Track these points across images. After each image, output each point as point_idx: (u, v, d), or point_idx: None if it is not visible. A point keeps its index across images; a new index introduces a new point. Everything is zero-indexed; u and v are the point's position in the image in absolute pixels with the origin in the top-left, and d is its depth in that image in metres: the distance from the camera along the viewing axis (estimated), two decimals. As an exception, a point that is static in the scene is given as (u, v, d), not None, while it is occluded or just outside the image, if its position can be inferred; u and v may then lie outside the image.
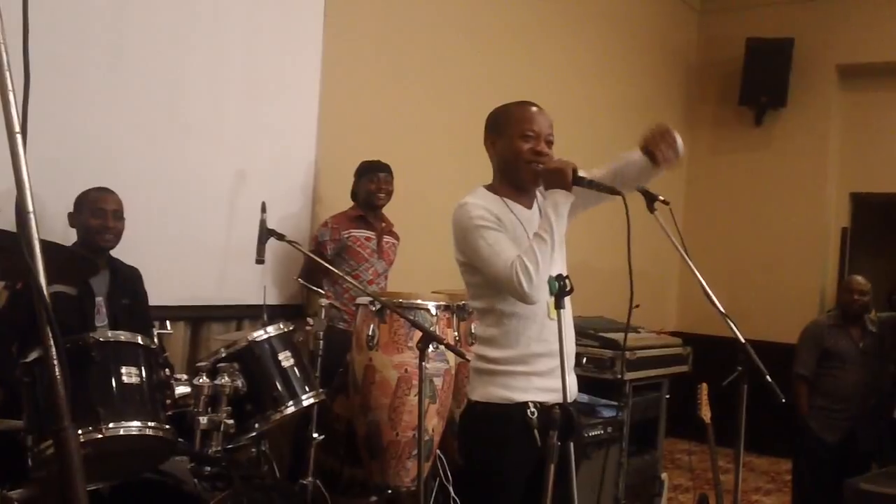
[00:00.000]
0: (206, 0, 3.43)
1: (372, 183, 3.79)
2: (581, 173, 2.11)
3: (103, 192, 2.81)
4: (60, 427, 1.04)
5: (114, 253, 2.88)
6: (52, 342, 1.08)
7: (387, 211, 3.92)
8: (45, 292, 1.09)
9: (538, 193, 2.25)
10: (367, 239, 3.79)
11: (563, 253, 2.20)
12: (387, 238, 3.88)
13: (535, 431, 2.03)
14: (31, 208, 1.09)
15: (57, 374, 1.04)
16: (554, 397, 2.06)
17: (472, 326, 2.24)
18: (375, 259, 3.80)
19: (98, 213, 2.76)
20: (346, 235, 3.74)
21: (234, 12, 3.55)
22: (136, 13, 3.17)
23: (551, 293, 1.99)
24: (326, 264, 3.36)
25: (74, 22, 2.95)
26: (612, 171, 2.25)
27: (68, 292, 2.66)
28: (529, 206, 2.21)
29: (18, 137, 1.10)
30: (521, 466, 2.06)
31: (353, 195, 3.90)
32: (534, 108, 2.18)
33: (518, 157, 2.13)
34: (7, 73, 1.12)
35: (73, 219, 2.81)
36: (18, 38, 1.23)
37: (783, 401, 2.42)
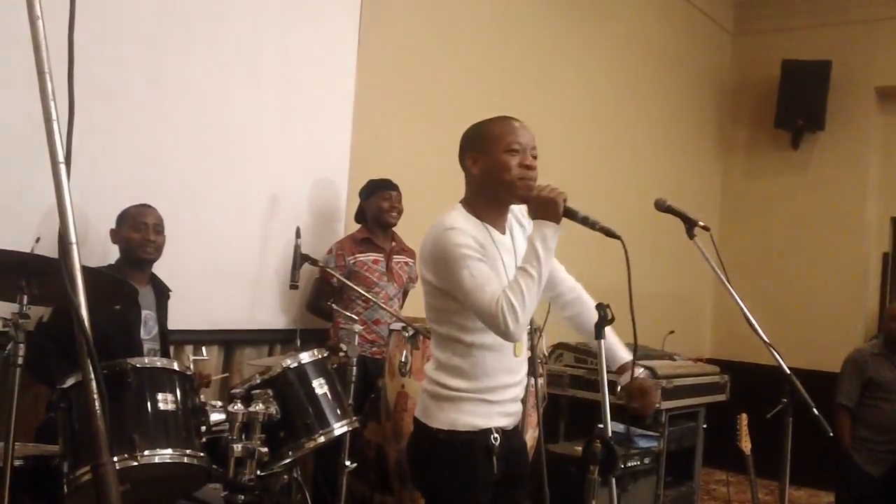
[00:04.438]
0: (241, 25, 3.46)
1: (385, 200, 3.67)
2: (572, 205, 1.97)
3: (144, 206, 2.89)
4: (100, 462, 1.02)
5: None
6: (92, 375, 1.06)
7: (416, 235, 3.85)
8: (87, 325, 1.07)
9: (510, 217, 2.15)
10: (375, 262, 3.67)
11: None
12: (397, 258, 3.74)
13: (495, 458, 2.01)
14: (73, 239, 1.07)
15: (97, 408, 1.03)
16: (509, 422, 2.10)
17: (431, 349, 2.14)
18: (385, 282, 3.67)
19: (139, 226, 2.84)
20: (352, 261, 3.61)
21: (269, 38, 3.57)
22: (172, 39, 3.21)
23: (599, 324, 1.92)
24: (356, 287, 3.36)
25: (113, 46, 2.98)
26: (583, 310, 2.21)
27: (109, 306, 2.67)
28: (503, 232, 2.12)
29: (62, 167, 1.09)
30: (486, 492, 2.03)
31: (360, 215, 3.79)
32: (516, 123, 2.07)
33: (507, 171, 2.01)
34: (52, 103, 1.12)
35: (115, 235, 2.89)
36: (62, 67, 1.24)
37: (831, 435, 2.35)
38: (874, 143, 6.61)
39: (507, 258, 2.05)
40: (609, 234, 1.91)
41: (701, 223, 2.42)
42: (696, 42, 6.70)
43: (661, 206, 2.49)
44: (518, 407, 2.14)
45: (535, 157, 2.05)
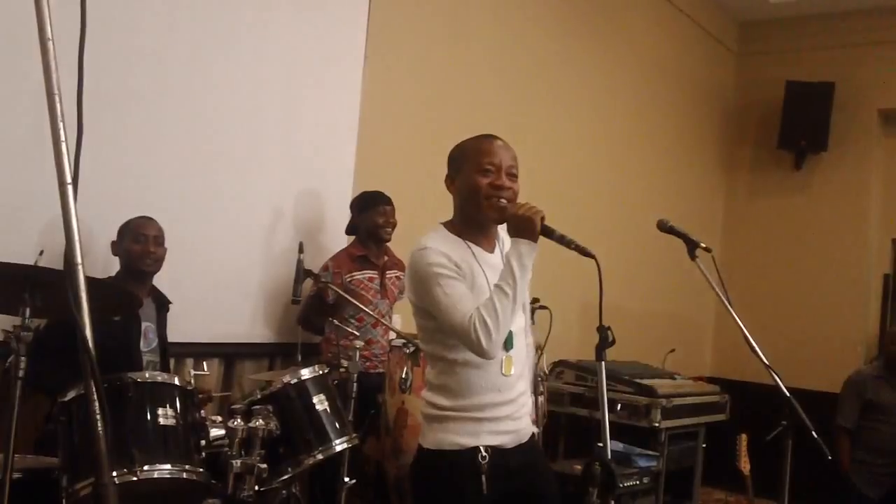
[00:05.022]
0: (246, 39, 3.48)
1: (380, 216, 3.63)
2: (549, 224, 1.98)
3: (144, 219, 2.90)
4: (101, 482, 1.03)
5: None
6: (95, 395, 1.07)
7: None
8: (91, 345, 1.08)
9: (501, 234, 2.15)
10: (370, 279, 3.61)
11: (525, 306, 2.12)
12: (390, 273, 3.70)
13: (483, 477, 1.98)
14: (79, 260, 1.08)
15: (100, 429, 1.03)
16: (504, 440, 2.05)
17: (425, 370, 2.16)
18: (379, 299, 3.63)
19: (140, 238, 2.84)
20: (349, 279, 3.57)
21: (274, 51, 3.59)
22: (178, 53, 3.23)
23: (600, 346, 1.92)
24: (357, 303, 3.36)
25: (118, 59, 3.00)
26: None
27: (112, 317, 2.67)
28: (491, 250, 2.10)
29: (69, 188, 1.10)
30: None
31: (353, 230, 3.75)
32: (496, 142, 2.06)
33: (477, 192, 2.01)
34: (61, 124, 1.12)
35: (116, 247, 2.89)
36: (72, 84, 1.25)
37: (829, 458, 2.35)
38: (876, 165, 6.62)
39: (493, 276, 2.03)
40: (584, 253, 1.92)
41: (703, 245, 2.43)
42: (701, 62, 6.73)
43: (664, 227, 2.50)
44: (519, 425, 2.10)
45: (514, 177, 2.05)
